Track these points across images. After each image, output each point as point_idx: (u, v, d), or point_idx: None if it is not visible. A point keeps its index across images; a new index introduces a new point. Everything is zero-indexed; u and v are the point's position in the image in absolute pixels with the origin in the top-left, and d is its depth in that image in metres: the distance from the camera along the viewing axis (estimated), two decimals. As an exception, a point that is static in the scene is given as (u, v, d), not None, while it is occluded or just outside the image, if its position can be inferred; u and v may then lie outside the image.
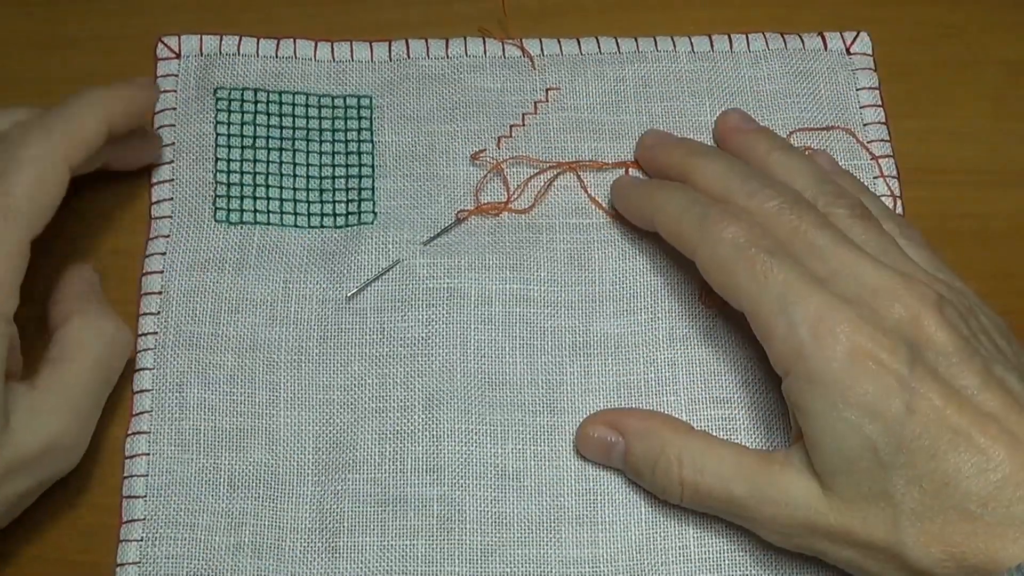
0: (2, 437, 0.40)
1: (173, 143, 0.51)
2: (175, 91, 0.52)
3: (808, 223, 0.43)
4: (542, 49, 0.54)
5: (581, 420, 0.47)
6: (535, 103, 0.52)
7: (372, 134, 0.52)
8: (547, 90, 0.53)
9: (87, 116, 0.44)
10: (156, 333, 0.48)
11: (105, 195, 0.51)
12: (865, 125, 0.52)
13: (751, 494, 0.42)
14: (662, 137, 0.51)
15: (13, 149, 0.42)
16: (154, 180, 0.51)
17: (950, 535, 0.38)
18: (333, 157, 0.51)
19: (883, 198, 0.50)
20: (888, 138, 0.52)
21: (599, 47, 0.54)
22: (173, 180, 0.51)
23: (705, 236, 0.43)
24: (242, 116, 0.52)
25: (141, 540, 0.45)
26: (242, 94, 0.52)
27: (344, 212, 0.50)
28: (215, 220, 0.50)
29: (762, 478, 0.42)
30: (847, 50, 0.54)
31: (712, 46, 0.54)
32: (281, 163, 0.51)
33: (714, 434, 0.46)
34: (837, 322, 0.40)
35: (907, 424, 0.39)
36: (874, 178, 0.51)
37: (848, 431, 0.39)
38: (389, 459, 0.46)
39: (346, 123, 0.52)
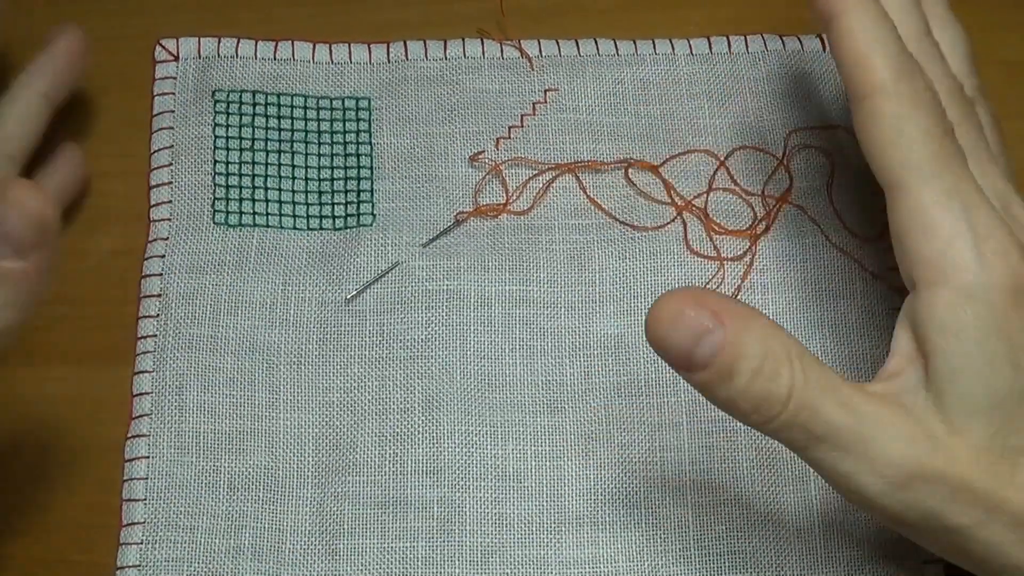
0: None
1: (172, 146, 0.51)
2: (173, 93, 0.52)
3: (972, 123, 0.40)
4: (540, 50, 0.54)
5: (580, 418, 0.47)
6: (533, 104, 0.52)
7: (371, 136, 0.52)
8: (545, 91, 0.53)
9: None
10: (155, 336, 0.48)
11: (105, 196, 0.51)
12: (864, 126, 0.52)
13: (872, 426, 0.35)
14: None
15: None
16: (153, 183, 0.50)
17: None
18: (332, 159, 0.51)
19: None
20: (887, 138, 0.52)
21: (597, 49, 0.54)
22: (172, 183, 0.50)
23: (897, 87, 0.37)
24: (240, 118, 0.52)
25: (141, 543, 0.45)
26: (240, 96, 0.52)
27: (343, 214, 0.50)
28: (214, 222, 0.50)
29: (882, 410, 0.36)
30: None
31: (710, 48, 0.54)
32: (280, 165, 0.51)
33: (714, 437, 0.47)
34: (1010, 251, 0.36)
35: None
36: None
37: (997, 367, 0.35)
38: (389, 461, 0.46)
39: (344, 125, 0.52)
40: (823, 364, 0.36)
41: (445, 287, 0.49)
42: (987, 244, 0.35)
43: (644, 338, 0.47)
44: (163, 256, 0.49)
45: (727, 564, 0.45)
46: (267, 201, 0.50)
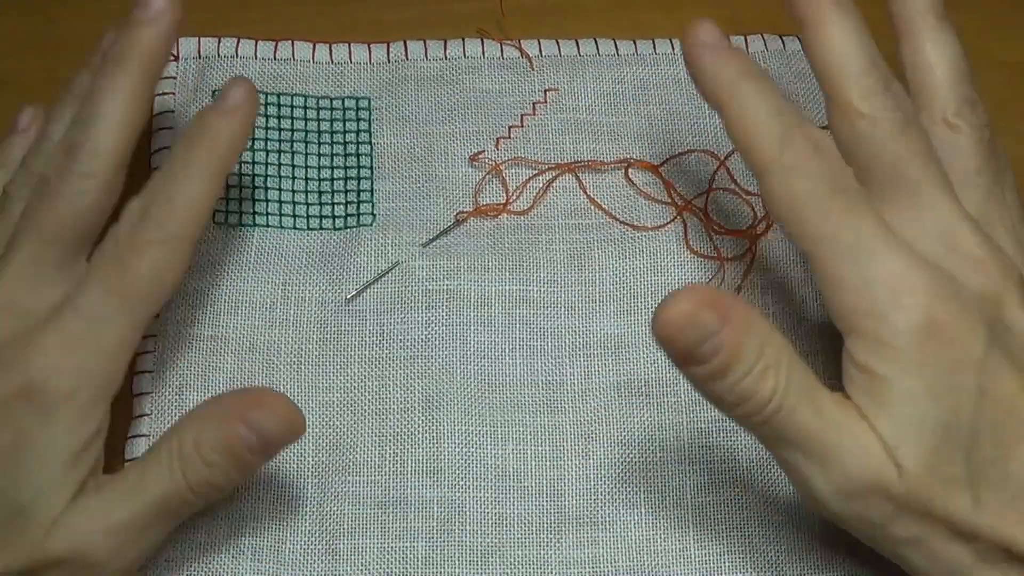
0: (44, 527, 0.39)
1: (172, 146, 0.51)
2: (173, 93, 0.52)
3: (914, 154, 0.39)
4: (540, 50, 0.54)
5: (580, 418, 0.47)
6: (533, 104, 0.52)
7: (371, 136, 0.52)
8: (545, 91, 0.53)
9: (203, 182, 0.42)
10: (155, 336, 0.48)
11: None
12: (864, 126, 0.53)
13: (835, 435, 0.37)
14: (716, 40, 0.41)
15: (138, 230, 0.41)
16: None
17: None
18: (332, 159, 0.51)
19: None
20: (887, 138, 0.52)
21: (597, 49, 0.54)
22: (172, 182, 0.50)
23: (781, 161, 0.39)
24: (240, 118, 0.52)
25: (141, 543, 0.45)
26: (240, 96, 0.52)
27: (343, 214, 0.50)
28: (214, 222, 0.50)
29: (846, 421, 0.37)
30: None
31: (710, 47, 0.54)
32: (280, 165, 0.51)
33: (714, 437, 0.47)
34: (917, 289, 0.37)
35: (981, 409, 0.37)
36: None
37: (921, 400, 0.37)
38: (389, 461, 0.46)
39: (344, 125, 0.52)
40: (807, 368, 0.38)
41: (445, 287, 0.49)
42: (899, 288, 0.37)
43: (644, 338, 0.48)
44: (163, 256, 0.49)
45: (727, 564, 0.45)
46: (267, 201, 0.50)
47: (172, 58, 0.53)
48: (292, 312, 0.48)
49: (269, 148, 0.51)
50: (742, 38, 0.54)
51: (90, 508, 0.39)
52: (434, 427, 0.46)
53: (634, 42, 0.54)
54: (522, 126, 0.52)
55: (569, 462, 0.46)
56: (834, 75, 0.40)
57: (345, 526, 0.45)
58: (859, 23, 0.41)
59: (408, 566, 0.45)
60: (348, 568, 0.45)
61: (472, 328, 0.48)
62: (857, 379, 0.38)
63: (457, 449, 0.46)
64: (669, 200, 0.51)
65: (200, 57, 0.53)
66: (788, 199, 0.39)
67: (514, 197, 0.51)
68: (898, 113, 0.40)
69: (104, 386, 0.40)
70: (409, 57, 0.53)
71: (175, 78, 0.52)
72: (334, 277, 0.49)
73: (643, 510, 0.46)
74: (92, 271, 0.41)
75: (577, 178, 0.51)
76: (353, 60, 0.53)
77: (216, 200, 0.43)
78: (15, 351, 0.40)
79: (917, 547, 0.38)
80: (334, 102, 0.52)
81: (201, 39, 0.53)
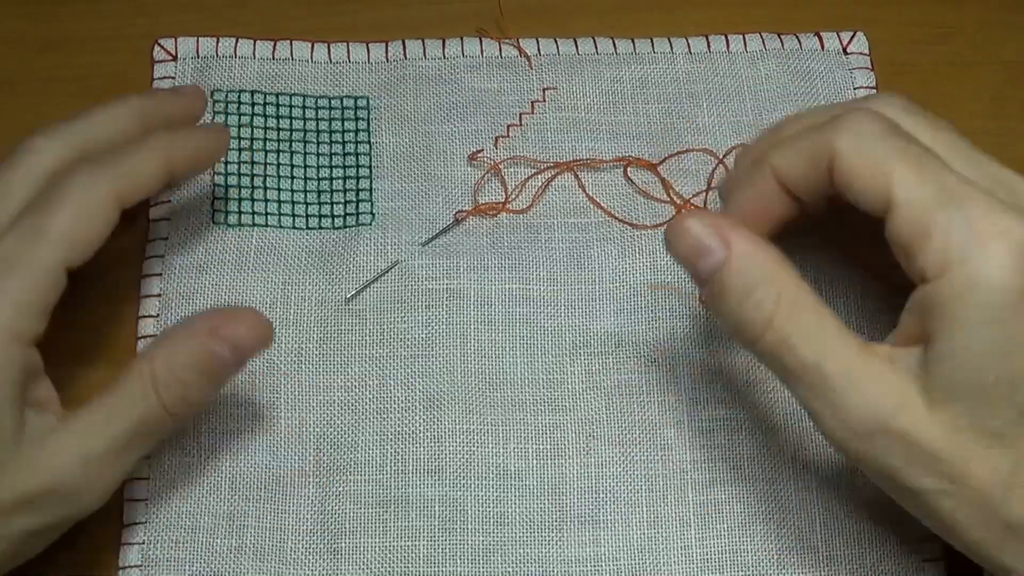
0: (9, 467, 0.39)
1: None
2: (172, 93, 0.52)
3: (950, 131, 0.39)
4: (539, 49, 0.54)
5: (581, 416, 0.47)
6: (532, 103, 0.52)
7: (369, 135, 0.52)
8: (544, 90, 0.53)
9: (146, 162, 0.43)
10: (155, 336, 0.47)
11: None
12: (862, 124, 0.53)
13: (843, 375, 0.37)
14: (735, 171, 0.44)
15: (65, 176, 0.41)
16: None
17: None
18: (331, 158, 0.51)
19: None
20: (886, 137, 0.52)
21: (596, 48, 0.54)
22: (171, 182, 0.50)
23: (843, 129, 0.38)
24: (239, 118, 0.52)
25: (143, 543, 0.45)
26: (239, 96, 0.52)
27: (342, 213, 0.50)
28: (213, 222, 0.50)
29: (861, 365, 0.37)
30: (844, 50, 0.54)
31: (709, 47, 0.54)
32: (279, 165, 0.51)
33: (716, 435, 0.47)
34: (1007, 228, 0.35)
35: None
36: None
37: (993, 358, 0.35)
38: (391, 460, 0.46)
39: (343, 124, 0.52)
40: (821, 307, 0.38)
41: (445, 286, 0.49)
42: (990, 229, 0.36)
43: (644, 336, 0.48)
44: (163, 256, 0.49)
45: (728, 562, 0.45)
46: (266, 201, 0.50)
47: (170, 58, 0.53)
48: (292, 311, 0.48)
49: (268, 148, 0.51)
50: (741, 37, 0.54)
51: (61, 441, 0.39)
52: (435, 426, 0.47)
53: (632, 41, 0.54)
54: (521, 125, 0.52)
55: (570, 460, 0.46)
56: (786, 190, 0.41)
57: (347, 525, 0.45)
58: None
59: (410, 565, 0.45)
60: (350, 567, 0.45)
61: (472, 327, 0.48)
62: (933, 323, 0.36)
63: (458, 448, 0.46)
64: (668, 199, 0.51)
65: (199, 57, 0.53)
66: (861, 155, 0.38)
67: (513, 196, 0.51)
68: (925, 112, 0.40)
69: (14, 329, 0.39)
70: (408, 56, 0.53)
71: (174, 78, 0.52)
72: (334, 276, 0.49)
73: (644, 508, 0.46)
74: (16, 220, 0.41)
75: (576, 177, 0.51)
76: (352, 60, 0.53)
77: (156, 186, 0.43)
78: None
79: (936, 502, 0.37)
80: (333, 101, 0.52)
81: (200, 39, 0.53)
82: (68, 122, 0.43)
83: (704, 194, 0.51)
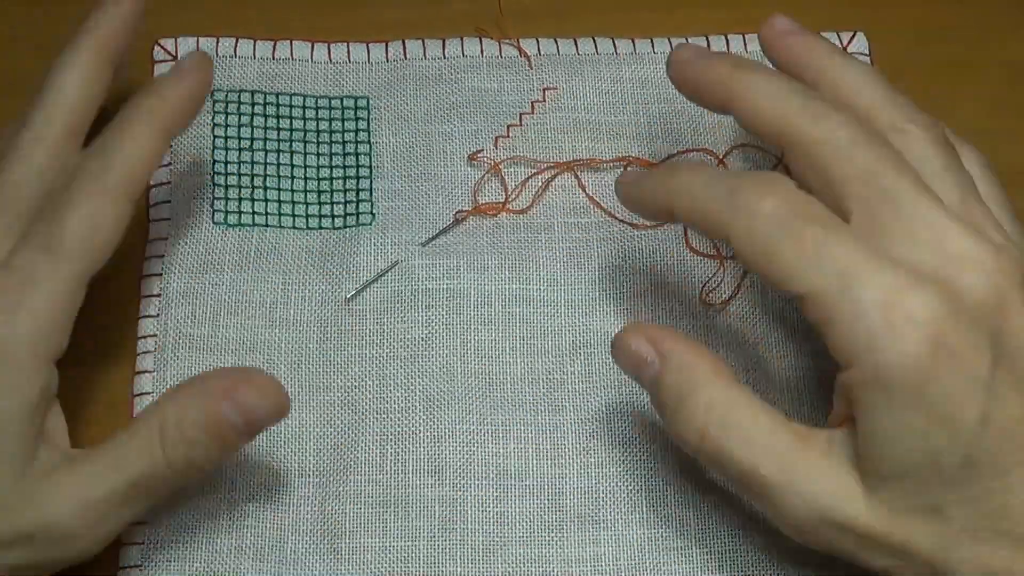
0: (10, 500, 0.38)
1: (170, 146, 0.51)
2: (172, 93, 0.52)
3: (884, 162, 0.37)
4: (539, 49, 0.54)
5: (581, 416, 0.47)
6: (532, 103, 0.52)
7: (369, 135, 0.52)
8: (544, 90, 0.53)
9: (145, 139, 0.42)
10: (155, 336, 0.48)
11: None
12: (862, 124, 0.53)
13: (779, 477, 0.37)
14: (699, 52, 0.42)
15: (72, 183, 0.41)
16: (152, 183, 0.50)
17: (997, 560, 0.35)
18: (331, 159, 0.51)
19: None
20: (886, 137, 0.52)
21: (596, 48, 0.54)
22: (171, 183, 0.50)
23: (738, 211, 0.37)
24: (239, 118, 0.52)
25: (143, 543, 0.44)
26: (239, 96, 0.52)
27: (342, 213, 0.50)
28: (213, 222, 0.50)
29: (796, 463, 0.37)
30: (844, 50, 0.54)
31: (709, 47, 0.54)
32: (279, 165, 0.51)
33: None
34: (914, 308, 0.34)
35: (980, 437, 0.35)
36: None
37: (914, 439, 0.35)
38: (390, 460, 0.46)
39: (343, 124, 0.52)
40: (755, 405, 0.38)
41: (445, 286, 0.49)
42: (894, 312, 0.34)
43: (645, 336, 0.48)
44: (163, 256, 0.49)
45: (729, 561, 0.45)
46: (266, 201, 0.50)
47: (170, 58, 0.53)
48: (292, 312, 0.48)
49: (268, 148, 0.51)
50: (740, 37, 0.54)
51: (62, 483, 0.39)
52: (435, 426, 0.47)
53: (632, 41, 0.54)
54: (521, 125, 0.52)
55: (570, 460, 0.46)
56: (776, 125, 0.39)
57: (346, 525, 0.45)
58: (771, 72, 0.40)
59: (410, 565, 0.45)
60: (350, 567, 0.45)
61: (472, 327, 0.48)
62: (849, 404, 0.37)
63: (458, 448, 0.46)
64: (668, 198, 0.51)
65: (198, 57, 0.53)
66: (756, 247, 0.37)
67: (513, 196, 0.51)
68: (853, 127, 0.38)
69: (39, 346, 0.39)
70: (407, 56, 0.53)
71: (173, 78, 0.52)
72: (334, 276, 0.49)
73: (644, 508, 0.46)
74: (29, 229, 0.40)
75: (576, 177, 0.51)
76: (352, 60, 0.53)
77: (159, 163, 0.42)
78: None
79: (900, 571, 0.37)
80: (332, 101, 0.52)
81: (199, 39, 0.53)
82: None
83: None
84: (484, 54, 0.54)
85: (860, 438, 0.36)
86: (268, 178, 0.51)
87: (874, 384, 0.35)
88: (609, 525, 0.45)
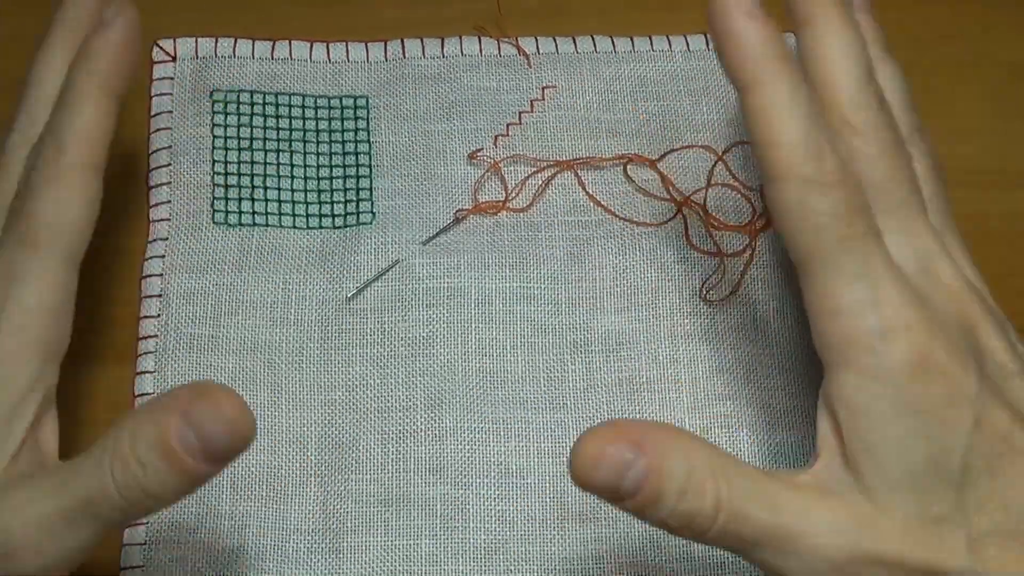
0: None
1: (170, 146, 0.51)
2: (171, 94, 0.52)
3: (903, 175, 0.38)
4: (538, 48, 0.54)
5: (582, 413, 0.47)
6: (532, 102, 0.53)
7: (369, 134, 0.52)
8: (543, 89, 0.53)
9: (91, 109, 0.40)
10: (156, 336, 0.48)
11: (105, 196, 0.50)
12: (862, 122, 0.53)
13: (800, 518, 0.35)
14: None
15: (32, 173, 0.40)
16: (152, 183, 0.50)
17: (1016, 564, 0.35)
18: (331, 158, 0.51)
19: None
20: (885, 135, 0.52)
21: (595, 46, 0.54)
22: (171, 183, 0.50)
23: (804, 165, 0.35)
24: (239, 118, 0.52)
25: (144, 543, 0.45)
26: (238, 96, 0.52)
27: (342, 213, 0.50)
28: (213, 222, 0.50)
29: (809, 505, 0.36)
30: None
31: (708, 45, 0.54)
32: (279, 164, 0.51)
33: (716, 433, 0.47)
34: (914, 322, 0.35)
35: (974, 440, 0.35)
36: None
37: (913, 440, 0.35)
38: (392, 459, 0.46)
39: (343, 124, 0.52)
40: (746, 468, 0.36)
41: (445, 285, 0.49)
42: (897, 321, 0.35)
43: (645, 334, 0.48)
44: (163, 256, 0.49)
45: (729, 560, 0.45)
46: (266, 200, 0.50)
47: (169, 58, 0.53)
48: (293, 311, 0.48)
49: (268, 148, 0.51)
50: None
51: (11, 497, 0.36)
52: (436, 424, 0.46)
53: (631, 39, 0.54)
54: (520, 123, 0.52)
55: (572, 458, 0.46)
56: (832, 83, 0.38)
57: (348, 524, 0.45)
58: (859, 33, 0.39)
59: (411, 564, 0.45)
60: (351, 566, 0.45)
61: (473, 325, 0.48)
62: (840, 416, 0.36)
63: (460, 446, 0.46)
64: (668, 196, 0.51)
65: (197, 57, 0.53)
66: (800, 212, 0.36)
67: (513, 194, 0.51)
68: (891, 131, 0.38)
69: (29, 338, 0.38)
70: (407, 55, 0.53)
71: (173, 79, 0.52)
72: (334, 276, 0.49)
73: (646, 506, 0.46)
74: (4, 225, 0.40)
75: (576, 175, 0.51)
76: (351, 59, 0.53)
77: (114, 124, 0.40)
78: None
79: None
80: (332, 101, 0.52)
81: (198, 39, 0.53)
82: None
83: (704, 191, 0.51)
84: (483, 53, 0.54)
85: (854, 454, 0.36)
86: (268, 178, 0.51)
87: (871, 384, 0.35)
88: (610, 523, 0.45)
